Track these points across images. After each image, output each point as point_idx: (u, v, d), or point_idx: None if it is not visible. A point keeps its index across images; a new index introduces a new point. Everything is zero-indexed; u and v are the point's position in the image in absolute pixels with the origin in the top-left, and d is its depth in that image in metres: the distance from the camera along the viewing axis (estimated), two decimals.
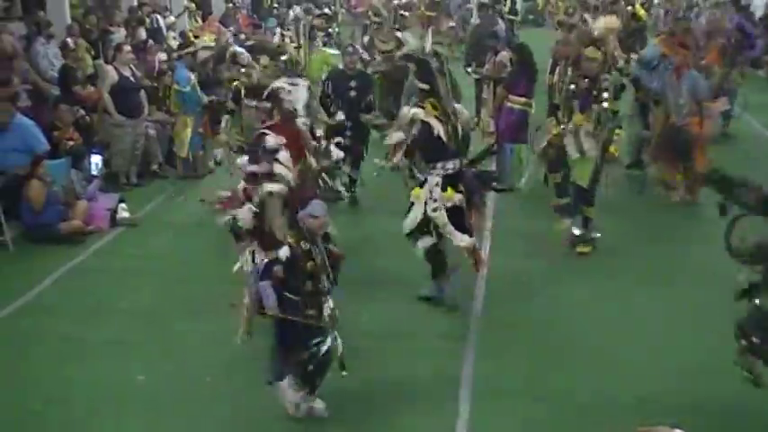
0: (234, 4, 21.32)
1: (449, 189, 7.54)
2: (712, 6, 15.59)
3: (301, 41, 13.43)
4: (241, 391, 6.55)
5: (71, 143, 11.16)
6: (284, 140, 6.84)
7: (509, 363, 6.97)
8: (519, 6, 23.42)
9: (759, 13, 20.08)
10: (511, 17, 19.86)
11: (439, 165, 7.59)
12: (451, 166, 7.60)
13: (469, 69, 13.16)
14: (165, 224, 10.65)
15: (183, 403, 6.50)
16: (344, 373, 5.99)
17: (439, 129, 7.51)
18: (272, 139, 6.79)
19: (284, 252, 5.87)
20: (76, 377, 6.90)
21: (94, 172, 11.29)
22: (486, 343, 7.31)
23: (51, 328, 7.84)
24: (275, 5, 24.40)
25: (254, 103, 9.22)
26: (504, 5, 19.45)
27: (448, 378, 6.72)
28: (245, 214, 6.76)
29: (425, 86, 7.68)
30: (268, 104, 8.00)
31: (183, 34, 15.66)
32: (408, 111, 7.72)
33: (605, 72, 8.93)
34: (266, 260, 6.18)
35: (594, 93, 8.83)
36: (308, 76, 12.69)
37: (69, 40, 13.35)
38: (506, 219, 10.26)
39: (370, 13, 16.64)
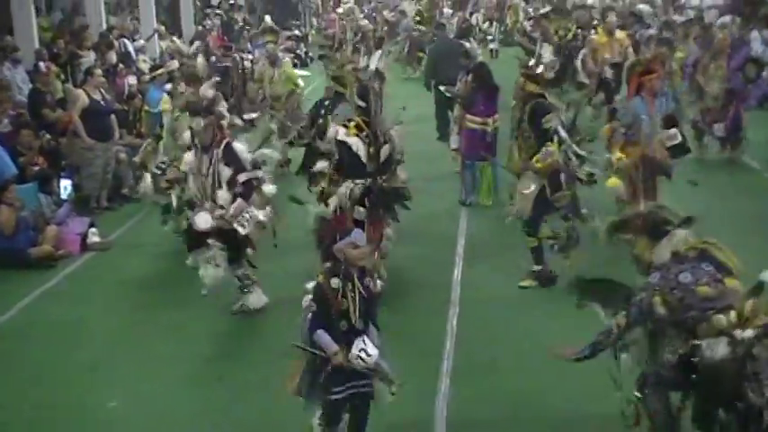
0: (204, 26, 21.36)
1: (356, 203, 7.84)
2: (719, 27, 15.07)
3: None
4: (217, 413, 6.53)
5: (36, 168, 11.10)
6: None
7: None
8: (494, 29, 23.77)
9: None
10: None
11: (349, 181, 7.88)
12: (361, 182, 7.85)
13: (442, 88, 13.26)
14: (136, 248, 10.59)
15: (158, 428, 6.47)
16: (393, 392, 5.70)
17: (359, 148, 7.88)
18: None
19: (309, 291, 5.57)
20: (49, 402, 6.85)
21: (64, 196, 11.24)
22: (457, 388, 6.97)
23: (23, 354, 7.79)
24: (246, 27, 24.45)
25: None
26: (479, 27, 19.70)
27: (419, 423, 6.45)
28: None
29: (362, 103, 8.09)
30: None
31: (162, 54, 15.65)
32: (333, 130, 8.11)
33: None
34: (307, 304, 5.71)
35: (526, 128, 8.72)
36: (274, 95, 12.81)
37: (42, 64, 13.33)
38: (476, 242, 10.22)
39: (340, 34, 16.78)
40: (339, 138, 8.06)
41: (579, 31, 16.47)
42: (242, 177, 8.06)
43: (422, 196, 9.57)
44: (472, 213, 10.95)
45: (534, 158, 8.44)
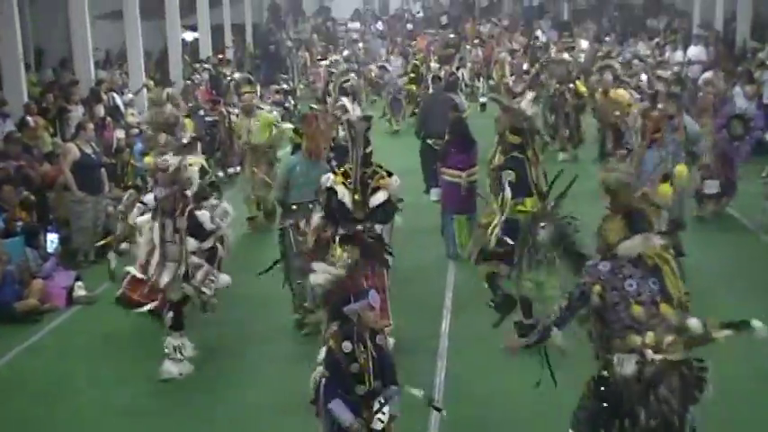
0: (193, 80, 21.47)
1: (339, 250, 7.71)
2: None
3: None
4: None
5: (20, 223, 11.06)
6: None
7: None
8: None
9: None
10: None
11: (338, 228, 7.94)
12: (347, 229, 7.88)
13: (430, 141, 13.36)
14: None
15: None
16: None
17: (344, 195, 8.03)
18: None
19: (322, 360, 5.46)
20: None
21: (50, 250, 11.20)
22: None
23: (7, 408, 7.73)
24: (234, 81, 24.59)
25: None
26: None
27: None
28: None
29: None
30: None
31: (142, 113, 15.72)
32: (325, 178, 8.35)
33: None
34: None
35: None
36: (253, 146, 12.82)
37: (30, 118, 13.37)
38: (464, 294, 10.20)
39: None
40: (327, 185, 8.19)
41: (558, 86, 16.60)
42: (206, 245, 8.22)
43: (409, 248, 9.61)
44: (460, 265, 10.94)
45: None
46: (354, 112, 8.84)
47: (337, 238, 7.78)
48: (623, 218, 5.54)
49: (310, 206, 8.87)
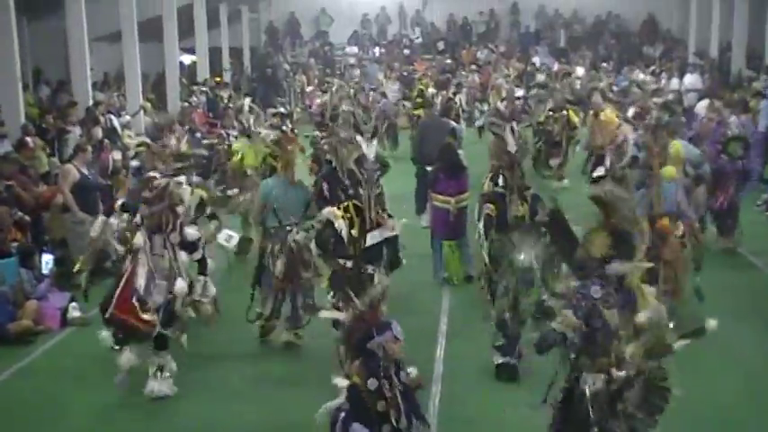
0: (190, 103, 21.54)
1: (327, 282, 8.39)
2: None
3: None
4: None
5: (15, 243, 11.04)
6: None
7: None
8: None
9: None
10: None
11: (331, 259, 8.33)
12: (340, 263, 8.31)
13: (429, 168, 13.37)
14: None
15: None
16: None
17: (341, 228, 8.25)
18: None
19: (343, 396, 5.25)
20: None
21: (45, 271, 11.17)
22: None
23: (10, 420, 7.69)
24: (230, 105, 24.67)
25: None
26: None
27: None
28: None
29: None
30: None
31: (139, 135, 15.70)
32: (327, 209, 8.55)
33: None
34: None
35: None
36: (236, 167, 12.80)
37: (29, 139, 13.40)
38: (459, 318, 10.19)
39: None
40: (329, 217, 8.38)
41: (551, 113, 16.52)
42: (196, 256, 8.33)
43: (404, 272, 9.59)
44: (454, 290, 10.95)
45: None
46: (368, 150, 9.04)
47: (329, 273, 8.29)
48: (609, 235, 5.57)
49: (288, 228, 9.03)
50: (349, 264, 8.40)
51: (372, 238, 8.42)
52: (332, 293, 8.71)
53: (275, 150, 10.34)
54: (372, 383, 5.13)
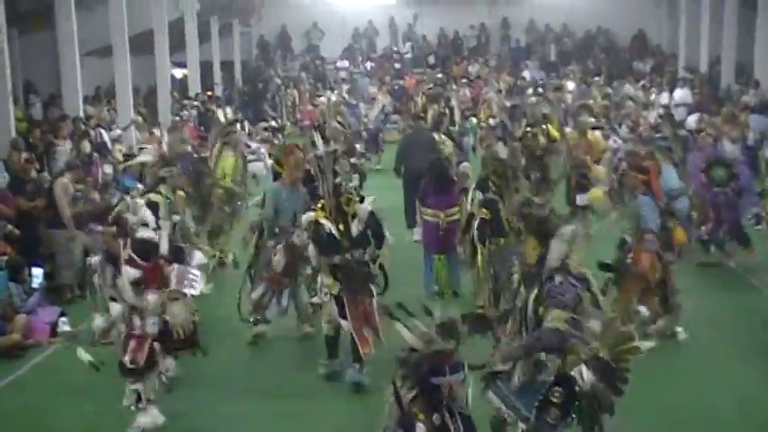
0: (181, 117, 21.53)
1: (331, 279, 8.56)
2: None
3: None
4: None
5: (5, 257, 11.01)
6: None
7: None
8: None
9: None
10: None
11: (328, 258, 8.62)
12: (337, 259, 8.55)
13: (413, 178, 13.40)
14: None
15: None
16: None
17: (329, 227, 8.56)
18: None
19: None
20: None
21: (35, 285, 11.14)
22: None
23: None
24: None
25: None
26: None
27: None
28: None
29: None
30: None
31: (130, 149, 15.66)
32: (307, 215, 8.88)
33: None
34: None
35: None
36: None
37: (25, 154, 13.40)
38: None
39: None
40: (312, 220, 8.74)
41: (528, 129, 15.93)
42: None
43: (395, 285, 9.59)
44: (444, 304, 10.89)
45: None
46: (321, 147, 9.60)
47: (326, 267, 8.54)
48: (535, 236, 5.94)
49: (290, 230, 9.65)
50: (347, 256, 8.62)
51: (356, 228, 8.68)
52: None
53: (280, 158, 10.83)
54: (437, 419, 4.94)
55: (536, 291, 5.89)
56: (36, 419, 8.15)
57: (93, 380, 9.03)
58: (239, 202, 12.90)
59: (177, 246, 8.42)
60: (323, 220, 8.63)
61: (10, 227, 11.64)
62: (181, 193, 10.54)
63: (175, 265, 7.88)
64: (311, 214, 8.81)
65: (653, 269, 9.26)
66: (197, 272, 8.09)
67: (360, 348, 8.44)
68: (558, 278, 5.77)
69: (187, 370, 8.41)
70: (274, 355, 9.80)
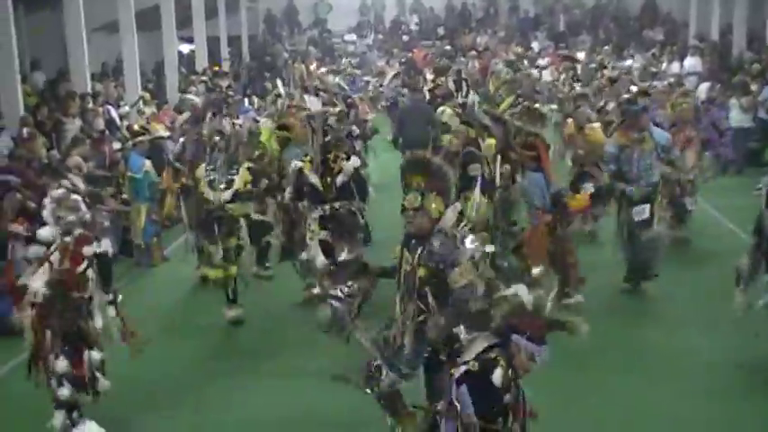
0: (188, 93, 21.44)
1: (318, 226, 9.56)
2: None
3: None
4: None
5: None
6: None
7: None
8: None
9: None
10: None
11: (318, 207, 9.60)
12: (323, 209, 9.57)
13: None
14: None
15: None
16: None
17: (310, 175, 9.56)
18: None
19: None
20: None
21: None
22: None
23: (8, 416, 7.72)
24: (230, 94, 24.58)
25: None
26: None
27: None
28: None
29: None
30: None
31: (128, 127, 15.51)
32: (293, 165, 9.87)
33: None
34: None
35: None
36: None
37: (25, 130, 13.38)
38: None
39: None
40: (296, 169, 9.71)
41: (519, 100, 14.78)
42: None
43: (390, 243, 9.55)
44: None
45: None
46: (313, 107, 10.49)
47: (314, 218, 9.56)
48: (438, 194, 6.07)
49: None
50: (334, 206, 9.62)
51: (340, 181, 9.57)
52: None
53: (288, 123, 11.37)
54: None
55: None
56: (45, 399, 8.13)
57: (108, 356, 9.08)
58: None
59: None
60: (306, 171, 9.56)
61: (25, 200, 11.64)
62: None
63: None
64: (297, 163, 9.73)
65: (541, 243, 9.42)
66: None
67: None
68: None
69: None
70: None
